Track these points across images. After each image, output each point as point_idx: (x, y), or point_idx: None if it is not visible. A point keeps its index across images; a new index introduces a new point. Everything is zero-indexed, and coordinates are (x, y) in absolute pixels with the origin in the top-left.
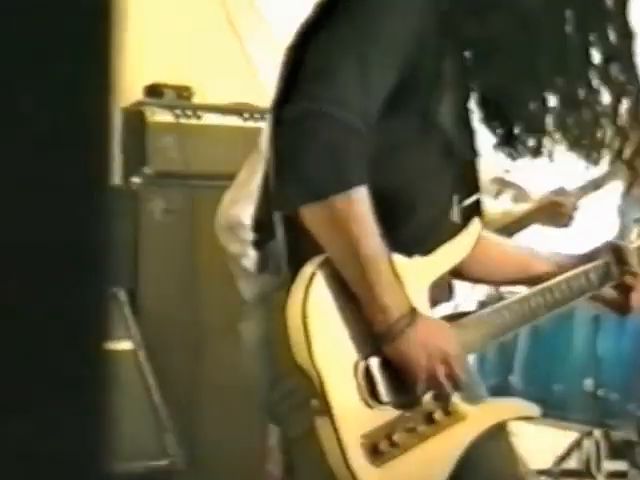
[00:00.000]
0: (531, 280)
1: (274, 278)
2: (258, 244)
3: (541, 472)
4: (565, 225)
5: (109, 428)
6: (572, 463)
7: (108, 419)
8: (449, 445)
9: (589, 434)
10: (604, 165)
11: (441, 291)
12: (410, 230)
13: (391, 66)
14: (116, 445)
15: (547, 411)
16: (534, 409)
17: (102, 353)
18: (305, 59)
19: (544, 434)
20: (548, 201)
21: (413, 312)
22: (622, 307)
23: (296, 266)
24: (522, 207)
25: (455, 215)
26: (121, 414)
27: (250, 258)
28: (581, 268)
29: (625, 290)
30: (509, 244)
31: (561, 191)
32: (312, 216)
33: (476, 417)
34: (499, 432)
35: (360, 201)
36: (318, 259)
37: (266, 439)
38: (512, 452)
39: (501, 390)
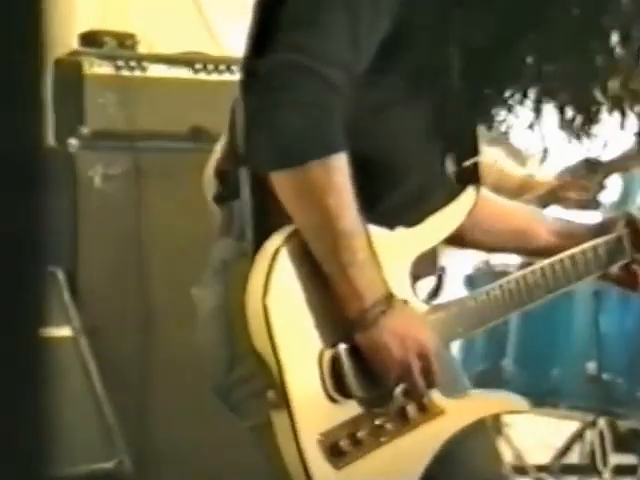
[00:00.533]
0: (532, 250)
1: (236, 244)
2: (220, 199)
3: (539, 468)
4: (590, 208)
5: (46, 426)
6: (574, 457)
7: (45, 415)
8: (420, 445)
9: (593, 424)
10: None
11: (425, 265)
12: (395, 200)
13: (383, 18)
14: (54, 445)
15: (544, 399)
16: (522, 403)
17: (38, 340)
18: (287, 3)
19: (541, 425)
20: (566, 181)
21: (390, 298)
22: (631, 284)
23: (262, 233)
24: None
25: (449, 180)
26: (60, 409)
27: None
28: (589, 243)
29: (635, 268)
30: (510, 205)
31: (584, 166)
32: (284, 183)
33: (455, 412)
34: (480, 428)
35: (339, 170)
36: (285, 232)
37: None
38: (494, 450)
39: (492, 376)
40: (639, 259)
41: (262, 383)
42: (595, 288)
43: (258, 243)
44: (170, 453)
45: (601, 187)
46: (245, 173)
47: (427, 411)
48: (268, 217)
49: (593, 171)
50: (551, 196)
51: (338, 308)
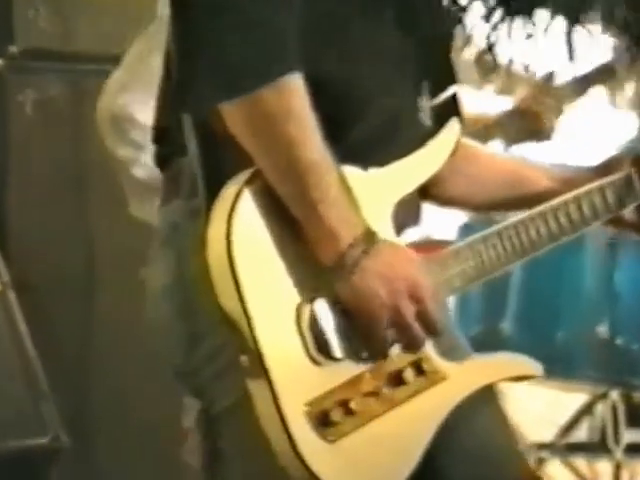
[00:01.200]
0: (528, 200)
1: (186, 204)
2: (163, 161)
3: (541, 446)
4: (543, 137)
5: None
6: (581, 434)
7: None
8: (422, 415)
9: (604, 396)
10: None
11: (407, 213)
12: (361, 133)
13: None
14: None
15: (548, 367)
16: (535, 367)
17: None
18: None
19: (544, 397)
20: (525, 102)
21: (370, 235)
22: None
23: (217, 185)
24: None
25: (425, 115)
26: None
27: (143, 166)
28: (595, 183)
29: None
30: (494, 152)
31: (546, 81)
32: (235, 117)
33: (459, 377)
34: (488, 397)
35: (296, 92)
36: (244, 174)
37: (179, 418)
38: (505, 423)
39: (488, 341)
40: None
41: (232, 355)
42: (609, 239)
43: (213, 196)
44: (109, 426)
45: (558, 112)
46: (189, 120)
47: (427, 376)
48: (222, 166)
49: (545, 93)
50: (491, 129)
51: (313, 255)
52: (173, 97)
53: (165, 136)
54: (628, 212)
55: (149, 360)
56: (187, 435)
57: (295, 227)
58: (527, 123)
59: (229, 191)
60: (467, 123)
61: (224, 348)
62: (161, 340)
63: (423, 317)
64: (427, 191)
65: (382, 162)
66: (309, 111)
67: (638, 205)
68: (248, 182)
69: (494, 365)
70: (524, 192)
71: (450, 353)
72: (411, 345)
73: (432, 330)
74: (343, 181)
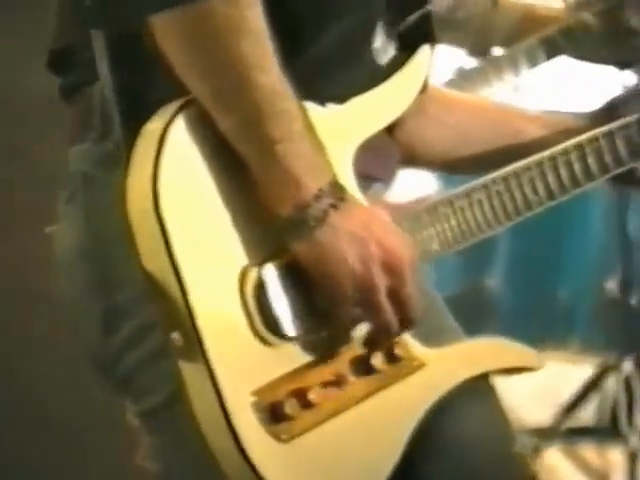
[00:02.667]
0: (519, 154)
1: (97, 148)
2: (68, 92)
3: (538, 431)
4: (625, 64)
5: None
6: (587, 416)
7: None
8: (398, 410)
9: (614, 367)
10: None
11: (375, 162)
12: (315, 56)
13: None
14: None
15: (547, 332)
16: (532, 356)
17: None
18: None
19: (542, 370)
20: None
21: (339, 188)
22: None
23: (137, 123)
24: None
25: (387, 44)
26: None
27: None
28: (602, 128)
29: None
30: (478, 98)
31: None
32: (174, 31)
33: (440, 367)
34: (481, 391)
35: (251, 5)
36: (174, 105)
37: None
38: (501, 422)
39: (469, 301)
40: None
41: (164, 330)
42: None
43: (133, 134)
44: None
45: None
46: (101, 39)
47: (401, 364)
48: (145, 96)
49: None
50: (566, 35)
51: (265, 205)
52: (89, 6)
53: (68, 60)
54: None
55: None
56: (138, 436)
57: (243, 170)
58: (619, 38)
59: (155, 125)
60: (532, 21)
61: (151, 328)
62: (74, 322)
63: (397, 296)
64: (407, 151)
65: (340, 96)
66: (265, 27)
67: None
68: (179, 114)
69: (484, 352)
70: (515, 143)
71: (433, 335)
72: (378, 334)
73: (406, 316)
74: (307, 117)
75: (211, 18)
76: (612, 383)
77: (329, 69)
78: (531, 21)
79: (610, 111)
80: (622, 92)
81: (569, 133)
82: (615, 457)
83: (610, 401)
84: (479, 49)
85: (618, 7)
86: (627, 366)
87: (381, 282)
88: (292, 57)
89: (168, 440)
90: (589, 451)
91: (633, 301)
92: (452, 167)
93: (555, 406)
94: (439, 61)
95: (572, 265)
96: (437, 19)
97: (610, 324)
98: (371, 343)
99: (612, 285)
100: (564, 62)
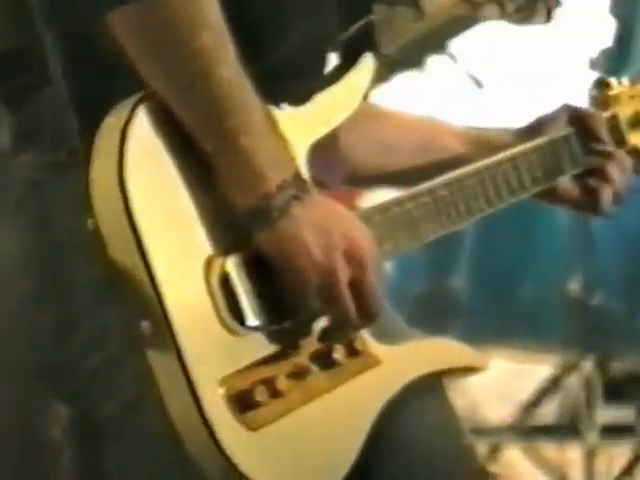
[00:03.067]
0: (442, 169)
1: (49, 155)
2: (12, 99)
3: (499, 430)
4: (542, 20)
5: None
6: (547, 413)
7: None
8: (359, 404)
9: (575, 366)
10: None
11: (326, 169)
12: (275, 61)
13: None
14: None
15: (508, 332)
16: (479, 358)
17: None
18: None
19: (503, 367)
20: None
21: (302, 180)
22: (589, 205)
23: (95, 123)
24: None
25: (335, 50)
26: None
27: None
28: (533, 142)
29: (592, 182)
30: (404, 113)
31: None
32: (131, 25)
33: (395, 364)
34: (431, 388)
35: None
36: (133, 98)
37: (49, 431)
38: (451, 417)
39: (434, 301)
40: (601, 164)
41: (133, 319)
42: None
43: (92, 139)
44: None
45: None
46: (55, 42)
47: (360, 359)
48: (100, 100)
49: None
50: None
51: (229, 198)
52: (43, 5)
53: (13, 62)
54: (567, 185)
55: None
56: (59, 454)
57: (205, 162)
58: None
59: (115, 118)
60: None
61: (110, 331)
62: (10, 331)
63: (359, 288)
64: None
65: (293, 99)
66: (222, 21)
67: (578, 175)
68: (139, 106)
69: (434, 352)
70: (440, 159)
71: (384, 334)
72: (337, 326)
73: (366, 308)
74: (267, 110)
75: (169, 12)
76: (573, 382)
77: (287, 76)
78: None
79: (536, 129)
80: (550, 111)
81: (493, 149)
82: (574, 454)
83: (570, 399)
84: (413, 61)
85: None
86: (587, 365)
87: (343, 273)
88: (250, 64)
89: (121, 455)
90: (549, 449)
91: (595, 301)
92: (383, 182)
93: (516, 404)
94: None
95: (535, 265)
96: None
97: (572, 324)
98: (330, 335)
99: (575, 285)
100: (531, 56)
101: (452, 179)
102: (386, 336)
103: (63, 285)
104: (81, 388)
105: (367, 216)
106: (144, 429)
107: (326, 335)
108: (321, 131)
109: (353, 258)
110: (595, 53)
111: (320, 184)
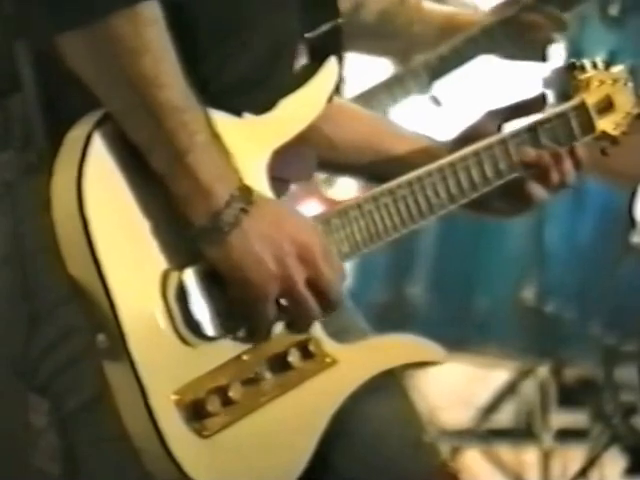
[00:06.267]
0: (383, 172)
1: (20, 156)
2: None
3: (458, 433)
4: (538, 56)
5: None
6: (504, 418)
7: None
8: (313, 404)
9: (530, 372)
10: None
11: (290, 166)
12: (233, 74)
13: None
14: None
15: (465, 338)
16: (438, 352)
17: None
18: None
19: (461, 373)
20: (512, 11)
21: (247, 191)
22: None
23: (60, 131)
24: (468, 17)
25: (300, 54)
26: None
27: None
28: (488, 140)
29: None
30: (356, 110)
31: None
32: (80, 49)
33: (352, 362)
34: (389, 384)
35: (152, 22)
36: (94, 116)
37: (29, 417)
38: (410, 412)
39: (393, 309)
40: (541, 162)
41: (87, 333)
42: None
43: (57, 143)
44: None
45: (559, 22)
46: (24, 50)
47: (315, 360)
48: (67, 104)
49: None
50: (486, 37)
51: (181, 214)
52: (4, 21)
53: None
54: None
55: None
56: (39, 437)
57: (159, 180)
58: (520, 34)
59: (77, 133)
60: (445, 31)
61: (72, 331)
62: None
63: (316, 285)
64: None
65: (256, 107)
66: (168, 44)
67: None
68: (102, 122)
69: (391, 348)
70: (382, 159)
71: (341, 333)
72: (301, 322)
73: (327, 301)
74: (212, 127)
75: (110, 38)
76: (528, 387)
77: (243, 91)
78: (452, 28)
79: (464, 140)
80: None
81: (432, 155)
82: (530, 457)
83: (526, 404)
84: (401, 58)
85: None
86: (542, 371)
87: (299, 276)
88: (204, 82)
89: (87, 445)
90: (505, 451)
91: (548, 309)
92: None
93: (474, 409)
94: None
95: (490, 274)
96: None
97: (526, 331)
98: (295, 328)
99: (529, 293)
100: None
101: (413, 178)
102: (345, 335)
103: (32, 284)
104: (47, 383)
105: (326, 220)
106: (101, 430)
107: (291, 328)
108: (285, 137)
109: (305, 260)
110: (547, 73)
111: (287, 182)
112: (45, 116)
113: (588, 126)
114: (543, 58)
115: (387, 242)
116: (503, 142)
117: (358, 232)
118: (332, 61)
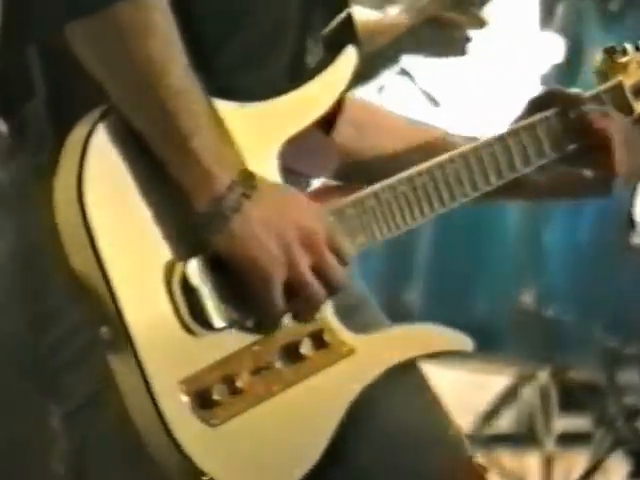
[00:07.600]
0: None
1: (33, 159)
2: (7, 108)
3: None
4: (457, 51)
5: None
6: (506, 423)
7: None
8: (327, 395)
9: (531, 377)
10: None
11: (306, 160)
12: (233, 53)
13: None
14: None
15: None
16: (464, 341)
17: None
18: None
19: (461, 379)
20: (432, 10)
21: (249, 176)
22: (600, 180)
23: (68, 132)
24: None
25: (314, 46)
26: None
27: None
28: (526, 121)
29: (593, 147)
30: (391, 113)
31: None
32: (85, 37)
33: (370, 352)
34: (410, 375)
35: (157, 7)
36: (97, 111)
37: (46, 419)
38: (433, 405)
39: (389, 313)
40: (594, 125)
41: (92, 328)
42: None
43: (58, 150)
44: None
45: (478, 21)
46: (34, 54)
47: (330, 350)
48: (74, 107)
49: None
50: (411, 38)
51: (184, 202)
52: (15, 25)
53: (8, 77)
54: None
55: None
56: (55, 439)
57: (161, 169)
58: (440, 32)
59: (79, 131)
60: (376, 33)
61: (80, 328)
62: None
63: (320, 270)
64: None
65: (261, 83)
66: (173, 29)
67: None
68: (101, 119)
69: (412, 338)
70: (432, 144)
71: (358, 323)
72: (307, 307)
73: (332, 285)
74: (215, 112)
75: (117, 23)
76: (529, 392)
77: (242, 74)
78: (382, 32)
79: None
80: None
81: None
82: (531, 462)
83: (527, 409)
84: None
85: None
86: (542, 376)
87: (304, 262)
88: (205, 64)
89: (90, 440)
90: (507, 456)
91: (548, 313)
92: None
93: (475, 414)
94: None
95: (489, 279)
96: None
97: (526, 335)
98: (302, 314)
99: (528, 297)
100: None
101: (435, 164)
102: (363, 327)
103: (40, 286)
104: (53, 382)
105: (341, 210)
106: (103, 426)
107: (298, 314)
108: (300, 124)
109: (309, 245)
110: (546, 69)
111: (299, 175)
112: (55, 120)
113: (626, 108)
114: (462, 53)
115: (405, 230)
116: (532, 127)
117: (374, 222)
118: (350, 49)
